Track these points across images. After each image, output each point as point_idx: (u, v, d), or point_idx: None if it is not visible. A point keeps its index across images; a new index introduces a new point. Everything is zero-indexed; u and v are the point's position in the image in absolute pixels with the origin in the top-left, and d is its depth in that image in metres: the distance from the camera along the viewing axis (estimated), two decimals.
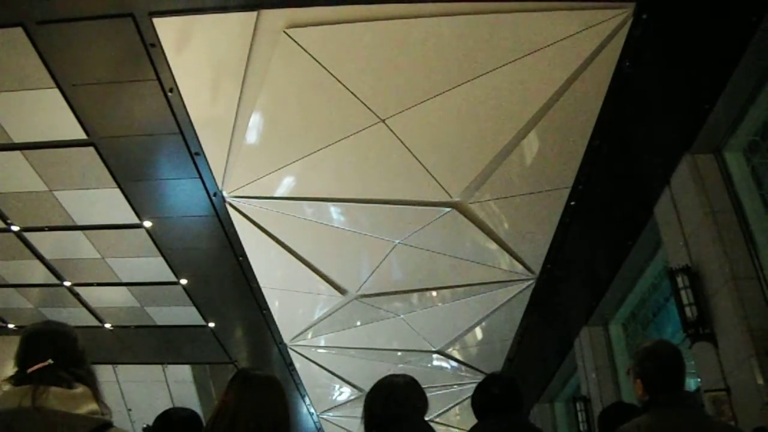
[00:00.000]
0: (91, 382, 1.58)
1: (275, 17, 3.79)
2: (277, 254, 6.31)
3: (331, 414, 11.18)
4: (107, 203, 5.83)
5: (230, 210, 5.69)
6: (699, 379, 4.79)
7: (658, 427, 1.94)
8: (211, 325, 8.33)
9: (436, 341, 8.33)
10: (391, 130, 4.58)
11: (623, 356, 7.14)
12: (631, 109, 4.31)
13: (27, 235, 6.47)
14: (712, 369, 4.33)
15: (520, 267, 6.39)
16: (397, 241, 6.05)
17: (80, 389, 1.53)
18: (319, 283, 6.83)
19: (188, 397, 10.26)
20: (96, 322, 8.42)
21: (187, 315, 8.09)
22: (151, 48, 4.07)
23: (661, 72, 4.03)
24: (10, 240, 6.50)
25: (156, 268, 6.95)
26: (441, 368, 9.22)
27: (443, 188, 5.20)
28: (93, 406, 1.51)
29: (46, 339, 1.60)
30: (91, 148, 5.11)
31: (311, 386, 10.11)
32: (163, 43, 4.03)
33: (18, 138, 5.05)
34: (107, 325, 8.57)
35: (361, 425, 2.10)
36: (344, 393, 10.30)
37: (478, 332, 8.18)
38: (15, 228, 6.30)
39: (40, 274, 7.24)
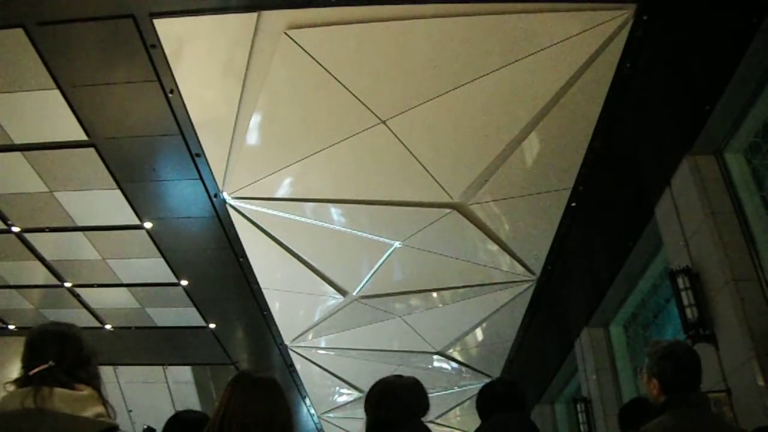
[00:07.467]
0: (95, 384, 1.57)
1: (276, 18, 3.79)
2: (278, 255, 6.30)
3: (331, 415, 11.17)
4: (108, 204, 5.83)
5: (231, 211, 5.68)
6: None
7: (680, 427, 1.95)
8: (212, 326, 8.32)
9: (436, 342, 8.33)
10: (392, 131, 4.58)
11: (624, 357, 7.13)
12: (632, 110, 4.31)
13: (27, 236, 6.46)
14: (713, 370, 4.32)
15: (520, 268, 6.39)
16: (398, 243, 6.05)
17: (86, 391, 1.52)
18: (319, 284, 6.83)
19: (189, 398, 10.25)
20: (96, 323, 8.42)
21: (188, 316, 8.08)
22: (152, 49, 4.07)
23: (661, 73, 4.02)
24: (11, 241, 6.49)
25: (157, 269, 6.95)
26: (441, 369, 9.21)
27: (444, 189, 5.20)
28: (99, 409, 1.50)
29: (50, 341, 1.60)
30: (92, 149, 5.11)
31: (312, 387, 10.09)
32: (163, 44, 4.03)
33: (18, 139, 5.04)
34: (108, 326, 8.56)
35: (361, 425, 2.10)
36: (345, 394, 10.28)
37: (479, 333, 8.18)
38: (15, 229, 6.30)
39: (41, 275, 7.23)
